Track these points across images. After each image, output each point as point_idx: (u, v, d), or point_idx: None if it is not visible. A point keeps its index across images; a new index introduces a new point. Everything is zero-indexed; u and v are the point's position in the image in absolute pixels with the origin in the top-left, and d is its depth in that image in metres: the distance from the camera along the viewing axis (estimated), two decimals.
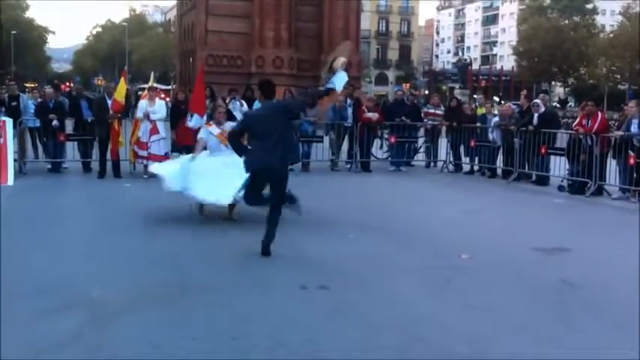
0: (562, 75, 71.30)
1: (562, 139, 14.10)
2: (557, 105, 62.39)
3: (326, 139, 15.79)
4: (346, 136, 15.90)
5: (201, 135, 9.48)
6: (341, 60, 7.40)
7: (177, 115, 13.75)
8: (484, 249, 7.74)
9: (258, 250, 7.19)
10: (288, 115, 7.42)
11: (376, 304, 5.67)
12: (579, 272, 6.79)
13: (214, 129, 9.42)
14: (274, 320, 5.17)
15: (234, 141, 7.34)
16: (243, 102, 15.57)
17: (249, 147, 7.22)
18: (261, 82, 7.52)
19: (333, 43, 37.41)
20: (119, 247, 7.53)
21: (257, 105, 15.17)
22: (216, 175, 8.68)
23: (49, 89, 15.67)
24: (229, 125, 9.34)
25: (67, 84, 52.41)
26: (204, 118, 13.27)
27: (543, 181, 13.73)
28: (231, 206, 9.12)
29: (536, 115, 13.74)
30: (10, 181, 12.38)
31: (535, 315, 5.47)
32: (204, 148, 9.29)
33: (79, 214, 9.60)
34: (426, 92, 68.17)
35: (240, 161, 7.78)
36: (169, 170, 9.10)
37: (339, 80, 7.40)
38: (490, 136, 15.06)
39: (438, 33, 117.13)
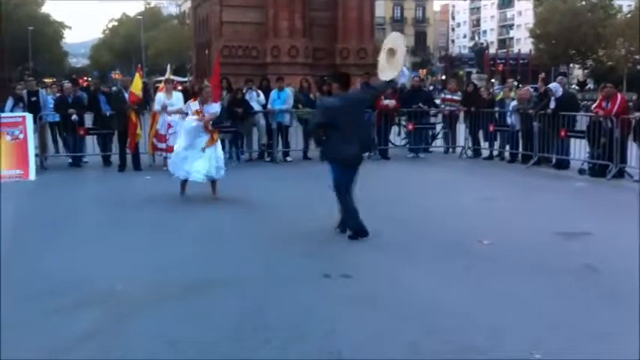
0: (580, 57, 70.47)
1: (582, 121, 13.96)
2: (577, 87, 61.72)
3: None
4: None
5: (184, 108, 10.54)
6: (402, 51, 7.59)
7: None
8: (505, 235, 7.70)
9: (275, 240, 7.43)
10: (364, 106, 7.86)
11: (396, 293, 5.67)
12: (601, 257, 6.74)
13: (195, 104, 10.10)
14: (294, 311, 5.20)
15: (317, 133, 7.68)
16: (260, 92, 15.60)
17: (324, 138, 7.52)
18: (338, 75, 7.79)
19: (347, 32, 37.40)
20: (138, 243, 7.57)
21: (274, 95, 15.25)
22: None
23: (67, 84, 15.79)
24: (213, 107, 10.15)
25: (85, 78, 52.77)
26: (219, 105, 13.34)
27: (564, 164, 13.61)
28: (213, 184, 10.08)
29: (553, 99, 13.61)
30: (32, 176, 12.52)
31: (557, 302, 5.45)
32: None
33: (100, 208, 9.66)
34: (443, 78, 67.75)
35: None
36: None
37: (405, 74, 7.84)
38: (509, 121, 14.95)
39: (453, 18, 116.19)
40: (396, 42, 7.74)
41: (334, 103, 7.47)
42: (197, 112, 9.95)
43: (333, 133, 7.29)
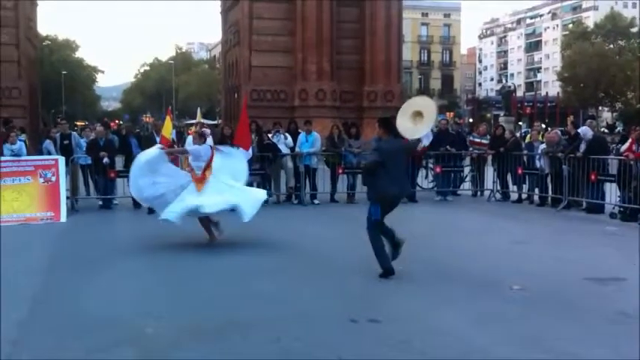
0: (609, 100, 70.13)
1: (612, 164, 13.83)
2: (606, 130, 61.26)
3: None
4: None
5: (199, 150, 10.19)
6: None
7: None
8: (535, 280, 7.60)
9: (303, 284, 7.41)
10: (408, 152, 8.45)
11: (427, 337, 5.61)
12: (634, 302, 6.60)
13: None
14: (325, 355, 5.16)
15: (372, 170, 7.91)
16: (287, 135, 15.75)
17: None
18: (384, 120, 8.23)
19: (374, 74, 37.63)
20: (168, 283, 7.63)
21: (302, 138, 15.39)
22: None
23: (99, 127, 16.10)
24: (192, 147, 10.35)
25: (116, 121, 53.66)
26: (250, 151, 13.52)
27: (597, 209, 13.41)
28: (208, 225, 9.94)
29: (583, 143, 13.51)
30: (64, 218, 12.70)
31: (589, 348, 5.35)
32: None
33: (131, 250, 9.72)
34: (470, 120, 67.70)
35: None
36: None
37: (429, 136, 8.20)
38: (537, 164, 14.86)
39: (480, 61, 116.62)
40: (428, 108, 8.12)
41: (387, 145, 7.86)
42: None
43: (382, 173, 7.72)
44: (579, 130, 14.18)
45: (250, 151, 13.48)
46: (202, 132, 10.89)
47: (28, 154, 14.66)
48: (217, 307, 6.57)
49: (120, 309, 6.45)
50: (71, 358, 5.14)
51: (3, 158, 13.32)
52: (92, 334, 5.66)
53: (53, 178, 12.97)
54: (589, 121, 15.47)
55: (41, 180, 12.90)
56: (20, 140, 14.59)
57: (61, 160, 13.32)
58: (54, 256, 9.21)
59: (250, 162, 14.14)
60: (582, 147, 13.51)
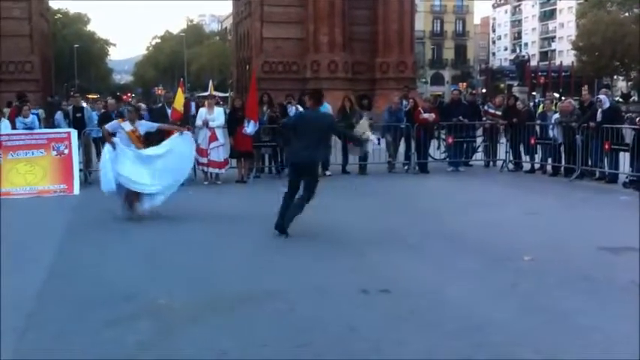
0: (624, 69, 69.22)
1: (626, 134, 13.69)
2: (620, 99, 60.52)
3: (382, 142, 15.73)
4: (402, 138, 15.85)
5: (107, 126, 10.03)
6: None
7: (234, 121, 13.95)
8: (548, 250, 7.58)
9: (315, 256, 7.40)
10: (329, 129, 8.83)
11: (439, 309, 5.62)
12: None
13: (126, 125, 9.91)
14: (338, 327, 5.18)
15: (284, 132, 9.12)
16: (299, 107, 15.69)
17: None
18: (313, 91, 9.29)
19: (387, 46, 37.32)
20: (182, 256, 7.62)
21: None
22: (133, 165, 9.60)
23: (110, 100, 16.11)
24: (143, 125, 10.14)
25: (129, 94, 53.68)
26: (257, 124, 13.60)
27: (612, 178, 13.30)
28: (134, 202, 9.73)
29: (599, 111, 13.37)
30: (77, 190, 12.77)
31: (604, 318, 5.34)
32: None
33: (144, 222, 9.75)
34: (483, 91, 67.14)
35: (151, 158, 9.67)
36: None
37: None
38: (551, 134, 14.75)
39: (494, 30, 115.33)
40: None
41: (307, 114, 8.93)
42: (132, 133, 9.77)
43: (295, 139, 8.57)
44: (599, 97, 13.94)
45: (258, 123, 13.63)
46: (138, 106, 10.55)
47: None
48: (231, 280, 6.57)
49: (134, 282, 6.47)
50: (88, 330, 5.15)
51: (16, 131, 13.41)
52: (108, 306, 5.69)
53: (66, 151, 13.01)
54: (603, 90, 15.30)
55: (54, 153, 12.95)
56: (33, 114, 14.66)
57: (74, 133, 13.34)
58: (67, 229, 9.27)
59: (259, 133, 14.19)
60: (598, 116, 13.34)
